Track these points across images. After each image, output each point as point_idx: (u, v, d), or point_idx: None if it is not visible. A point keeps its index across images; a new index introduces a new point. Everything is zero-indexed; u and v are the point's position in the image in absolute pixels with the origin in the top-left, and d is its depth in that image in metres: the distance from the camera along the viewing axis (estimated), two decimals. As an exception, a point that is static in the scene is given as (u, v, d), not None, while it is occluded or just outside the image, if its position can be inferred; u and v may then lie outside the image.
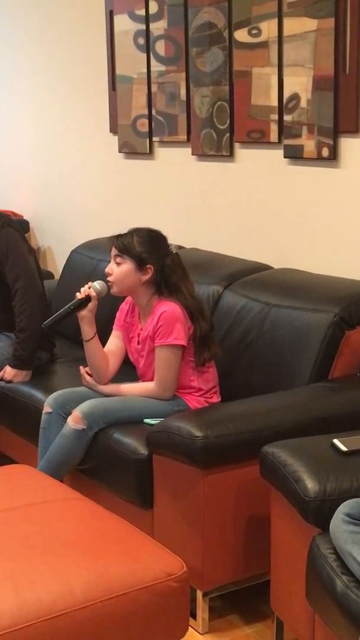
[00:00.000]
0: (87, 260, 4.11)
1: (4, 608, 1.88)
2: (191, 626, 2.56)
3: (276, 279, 3.27)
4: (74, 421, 2.92)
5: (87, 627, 1.94)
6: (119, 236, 3.02)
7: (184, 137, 3.92)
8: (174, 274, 3.00)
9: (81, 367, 3.14)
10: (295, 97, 3.31)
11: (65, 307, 3.05)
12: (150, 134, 4.14)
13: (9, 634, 1.84)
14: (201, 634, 2.65)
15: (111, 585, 2.00)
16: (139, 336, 3.07)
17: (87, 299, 3.02)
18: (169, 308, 2.94)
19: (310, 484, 2.16)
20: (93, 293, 3.02)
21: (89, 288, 3.03)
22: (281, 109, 3.38)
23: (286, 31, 3.30)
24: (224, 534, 2.62)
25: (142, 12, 4.03)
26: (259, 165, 3.59)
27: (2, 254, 3.54)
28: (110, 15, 4.26)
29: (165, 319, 2.92)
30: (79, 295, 3.03)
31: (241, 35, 3.51)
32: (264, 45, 3.41)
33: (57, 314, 3.08)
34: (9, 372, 3.50)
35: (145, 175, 4.26)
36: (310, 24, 3.19)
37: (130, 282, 3.00)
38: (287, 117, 3.37)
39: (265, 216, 3.60)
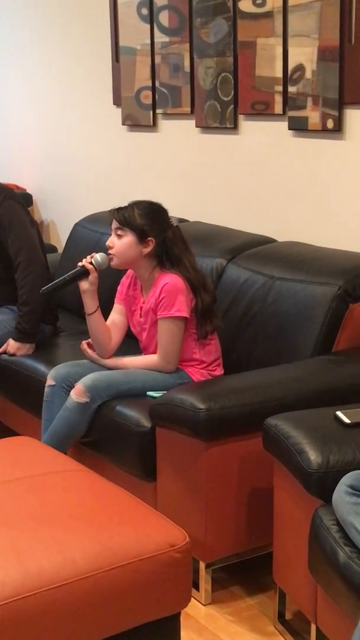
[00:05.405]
0: (90, 234, 4.09)
1: (6, 578, 1.89)
2: (194, 597, 2.57)
3: (280, 252, 3.25)
4: (77, 394, 2.92)
5: (89, 597, 1.94)
6: (119, 209, 3.01)
7: (188, 109, 3.89)
8: (175, 246, 2.99)
9: (83, 342, 3.13)
10: (300, 68, 3.28)
11: (65, 275, 3.05)
12: (153, 106, 4.10)
13: (12, 603, 1.85)
14: (204, 605, 2.66)
15: (114, 555, 2.00)
16: (141, 309, 3.06)
17: (85, 270, 3.01)
18: (171, 280, 2.93)
19: (313, 456, 2.16)
20: (90, 266, 3.01)
21: (91, 259, 3.03)
22: (286, 80, 3.35)
23: (291, 1, 3.26)
24: (226, 506, 2.62)
25: (146, -18, 3.99)
26: (263, 137, 3.56)
27: (4, 227, 3.52)
28: (113, -14, 4.22)
29: (167, 291, 2.91)
30: (80, 264, 3.04)
31: (246, 5, 3.47)
32: (269, 15, 3.37)
33: (56, 281, 3.10)
34: (12, 345, 3.50)
35: (149, 147, 4.23)
36: (316, -7, 3.15)
37: (131, 255, 2.99)
38: (291, 89, 3.33)
39: (269, 189, 3.58)
